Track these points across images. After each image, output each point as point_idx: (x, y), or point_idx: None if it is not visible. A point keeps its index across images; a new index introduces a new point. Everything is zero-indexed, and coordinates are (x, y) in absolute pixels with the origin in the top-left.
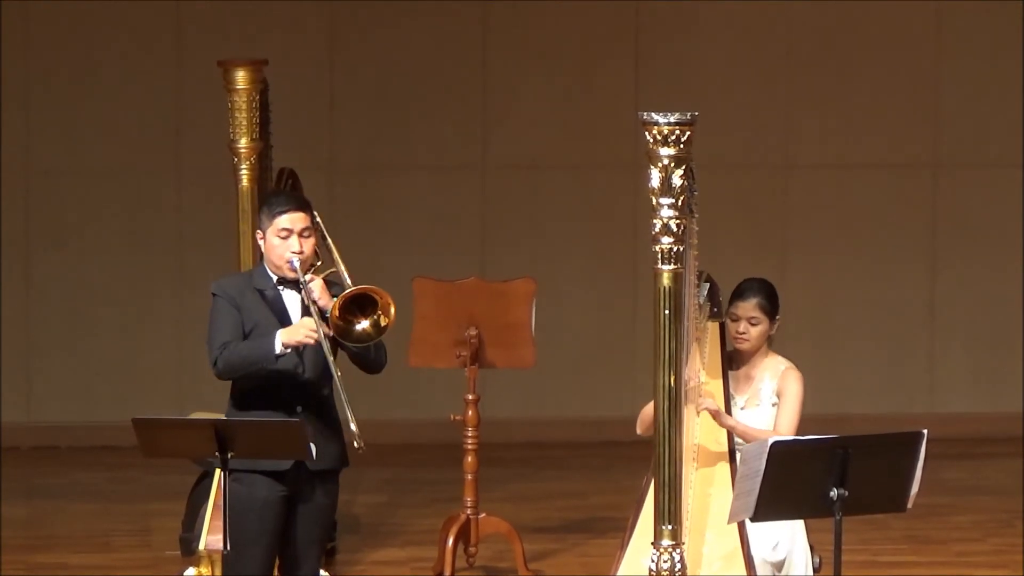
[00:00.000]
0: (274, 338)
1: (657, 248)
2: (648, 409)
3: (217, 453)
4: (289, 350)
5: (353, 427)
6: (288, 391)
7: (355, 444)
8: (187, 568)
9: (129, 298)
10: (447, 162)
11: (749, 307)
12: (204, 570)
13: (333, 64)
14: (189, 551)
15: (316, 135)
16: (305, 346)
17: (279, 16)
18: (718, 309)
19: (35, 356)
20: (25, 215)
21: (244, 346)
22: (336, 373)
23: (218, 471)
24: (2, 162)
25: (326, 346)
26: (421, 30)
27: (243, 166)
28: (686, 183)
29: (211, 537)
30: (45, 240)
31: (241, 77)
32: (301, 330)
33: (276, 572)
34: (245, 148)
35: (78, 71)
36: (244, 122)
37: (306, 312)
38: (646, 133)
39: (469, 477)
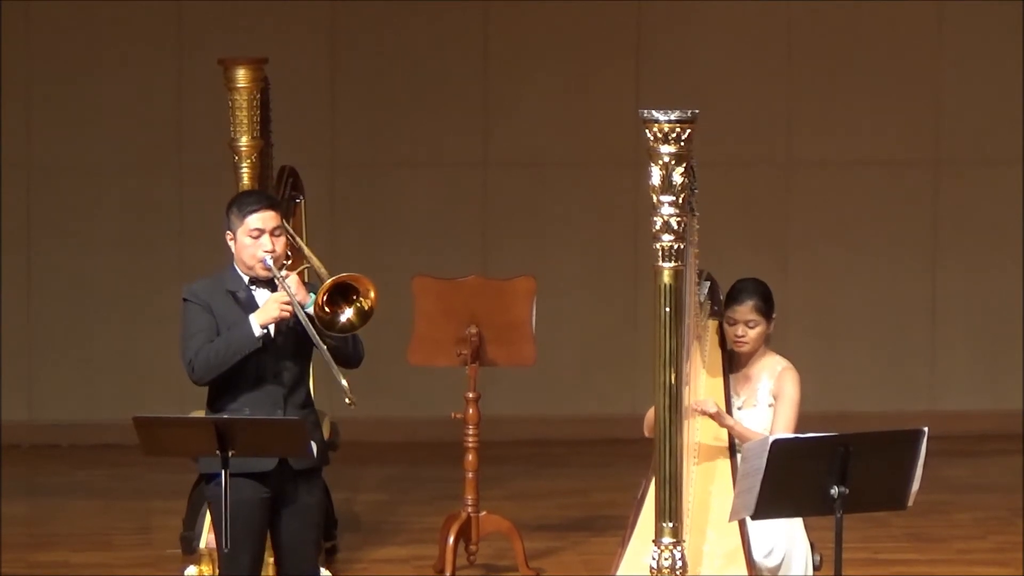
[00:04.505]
0: (249, 324)
1: (658, 246)
2: (653, 411)
3: (218, 451)
4: (266, 330)
5: (343, 382)
6: (267, 395)
7: (346, 400)
8: (188, 566)
9: (130, 296)
10: (448, 159)
11: (745, 310)
12: (205, 568)
13: (334, 62)
14: (190, 549)
15: (317, 133)
16: (284, 331)
17: (280, 14)
18: (718, 307)
19: (36, 354)
20: (26, 212)
21: (218, 341)
22: (321, 344)
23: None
24: (3, 159)
25: (303, 320)
26: (422, 27)
27: (244, 164)
28: (687, 181)
29: (212, 535)
30: (46, 238)
31: (242, 75)
32: (273, 305)
33: None
34: (246, 146)
35: (79, 68)
36: (245, 120)
37: None
38: (646, 131)
39: (470, 475)
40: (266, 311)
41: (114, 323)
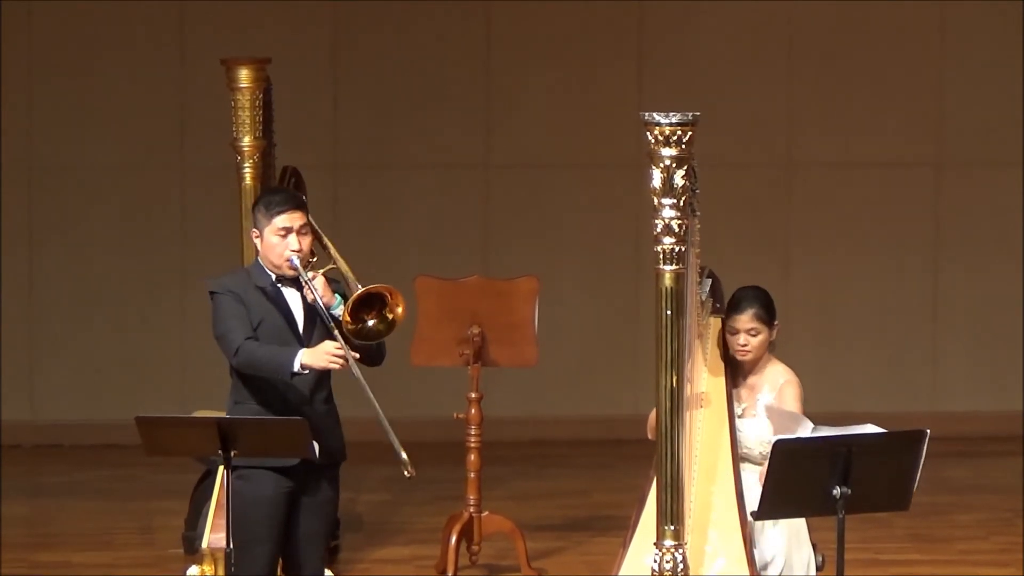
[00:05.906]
0: (295, 355)
1: (659, 248)
2: (655, 413)
3: (220, 451)
4: (307, 372)
5: (403, 455)
6: (295, 391)
7: (405, 472)
8: (190, 566)
9: (132, 296)
10: (450, 161)
11: (746, 319)
12: (207, 568)
13: (336, 62)
14: (192, 549)
15: (319, 133)
16: (317, 333)
17: (283, 14)
18: (720, 304)
19: (38, 354)
20: (28, 212)
21: (267, 351)
22: (374, 400)
23: (221, 469)
24: (5, 158)
25: (327, 320)
26: (424, 29)
27: (246, 164)
28: (688, 183)
29: (214, 535)
30: (48, 237)
31: (244, 75)
32: (324, 356)
33: (280, 571)
34: (248, 146)
35: (81, 68)
36: (247, 120)
37: (309, 309)
38: (647, 134)
39: (472, 475)
40: (315, 357)
41: (116, 323)
